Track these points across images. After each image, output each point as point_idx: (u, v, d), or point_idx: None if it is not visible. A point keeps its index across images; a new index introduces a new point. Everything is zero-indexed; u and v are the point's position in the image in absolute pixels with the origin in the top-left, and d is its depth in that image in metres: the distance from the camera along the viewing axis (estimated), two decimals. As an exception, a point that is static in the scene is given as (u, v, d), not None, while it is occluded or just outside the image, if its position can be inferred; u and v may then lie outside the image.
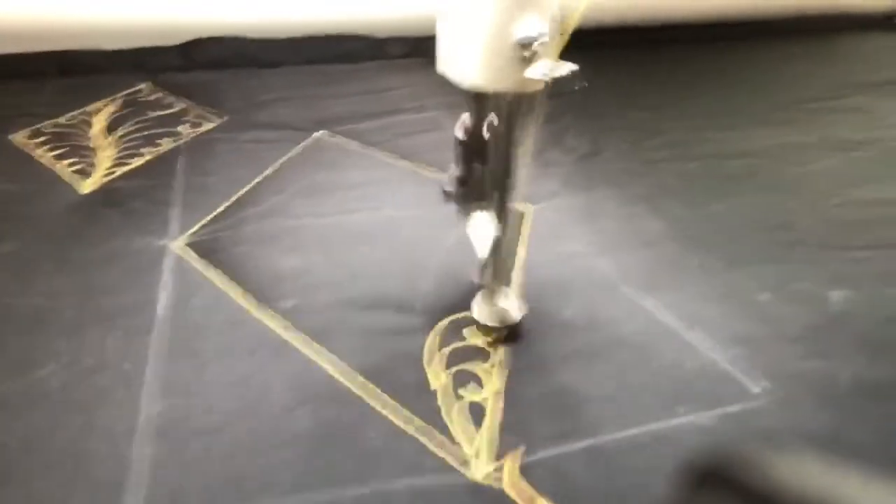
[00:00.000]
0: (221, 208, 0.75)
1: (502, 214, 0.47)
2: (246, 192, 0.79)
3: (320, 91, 1.12)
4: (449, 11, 0.37)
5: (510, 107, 0.40)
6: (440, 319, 0.58)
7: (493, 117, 0.42)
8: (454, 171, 0.48)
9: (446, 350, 0.55)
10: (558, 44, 0.37)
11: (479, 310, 0.54)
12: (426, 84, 1.15)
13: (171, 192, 0.78)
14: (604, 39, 1.26)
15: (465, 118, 0.44)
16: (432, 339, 0.56)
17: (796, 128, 0.98)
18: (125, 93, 1.11)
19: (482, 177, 0.47)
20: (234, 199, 0.77)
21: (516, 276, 0.63)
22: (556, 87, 0.38)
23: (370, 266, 0.65)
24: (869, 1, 1.46)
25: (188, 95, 1.09)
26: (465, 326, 0.57)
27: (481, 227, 0.49)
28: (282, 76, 1.19)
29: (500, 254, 0.50)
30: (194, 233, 0.70)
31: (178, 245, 0.68)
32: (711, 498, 0.22)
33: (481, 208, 0.50)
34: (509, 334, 0.55)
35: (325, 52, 1.25)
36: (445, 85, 1.10)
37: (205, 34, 1.23)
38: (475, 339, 0.56)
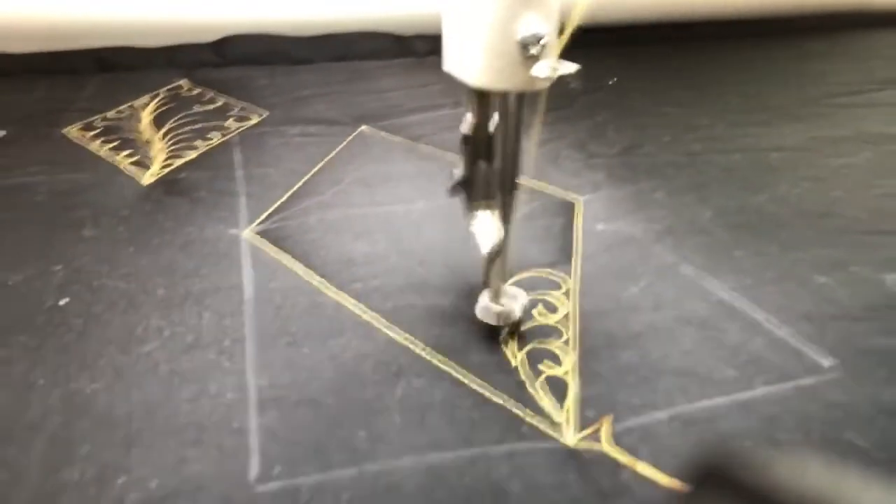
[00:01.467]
0: (285, 198, 0.78)
1: (506, 213, 0.48)
2: (304, 183, 0.82)
3: (354, 87, 1.15)
4: (452, 10, 0.37)
5: (514, 105, 0.41)
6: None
7: (497, 116, 0.43)
8: (459, 169, 0.48)
9: (520, 329, 0.58)
10: (560, 43, 0.37)
11: (481, 309, 0.55)
12: (457, 81, 1.18)
13: (234, 183, 0.81)
14: (633, 36, 1.30)
15: (470, 117, 0.44)
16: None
17: (829, 122, 1.01)
18: (166, 88, 1.14)
19: (487, 175, 0.48)
20: (294, 189, 0.80)
21: (575, 262, 0.67)
22: (559, 86, 0.38)
23: (435, 252, 0.68)
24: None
25: (227, 91, 1.12)
26: (533, 307, 0.61)
27: (485, 226, 0.50)
28: (314, 72, 1.22)
29: (504, 253, 0.50)
30: (263, 221, 0.73)
31: (249, 233, 0.71)
32: (711, 497, 0.22)
33: (486, 207, 0.50)
34: (513, 332, 0.57)
35: (352, 49, 1.29)
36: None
37: (235, 31, 1.26)
38: (544, 318, 0.60)
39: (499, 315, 0.54)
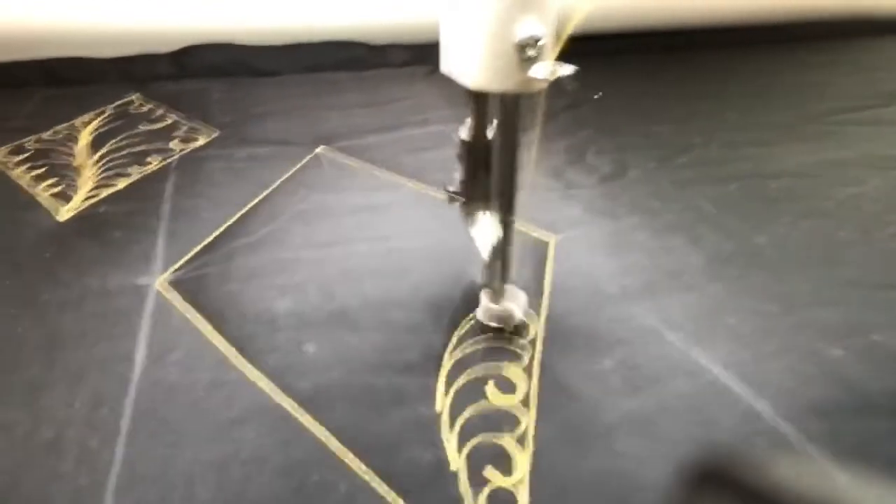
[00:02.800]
0: (210, 238, 0.68)
1: (506, 217, 0.47)
2: (238, 218, 0.72)
3: (319, 102, 1.06)
4: (450, 12, 0.37)
5: (512, 108, 0.40)
6: (456, 378, 0.51)
7: (495, 119, 0.43)
8: (458, 173, 0.48)
9: (465, 415, 0.48)
10: (558, 45, 0.37)
11: (482, 311, 0.54)
12: (430, 94, 1.08)
13: (156, 220, 0.71)
14: (617, 46, 1.19)
15: (469, 120, 0.44)
16: (448, 403, 0.49)
17: (832, 142, 0.90)
18: (114, 105, 1.04)
19: (486, 179, 0.47)
20: (224, 227, 0.70)
21: (538, 327, 0.56)
22: (557, 87, 0.37)
23: (373, 311, 0.58)
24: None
25: (179, 107, 1.03)
26: (487, 383, 0.50)
27: (485, 229, 0.49)
28: (278, 86, 1.12)
29: (504, 256, 0.49)
30: (179, 268, 0.63)
31: (160, 283, 0.61)
32: (711, 498, 0.22)
33: (486, 210, 0.50)
34: (512, 335, 0.54)
35: (323, 59, 1.19)
36: (450, 96, 1.03)
37: (197, 41, 1.17)
38: (498, 399, 0.49)
39: (500, 317, 0.53)
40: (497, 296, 0.53)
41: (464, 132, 0.45)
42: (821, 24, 1.31)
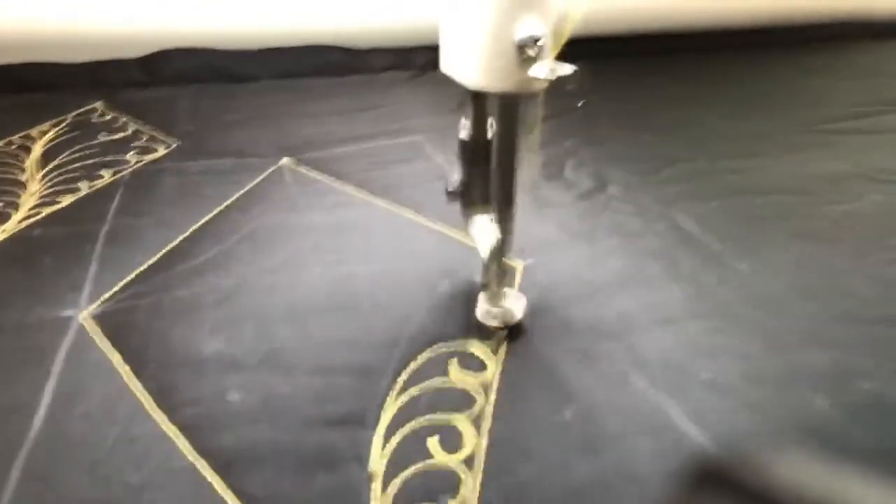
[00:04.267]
0: (147, 265, 0.62)
1: (506, 216, 0.47)
2: (182, 240, 0.66)
3: (292, 109, 1.00)
4: (449, 12, 0.38)
5: (512, 108, 0.41)
6: (396, 431, 0.45)
7: (494, 119, 0.43)
8: (457, 172, 0.48)
9: (402, 476, 0.42)
10: (557, 45, 0.37)
11: (481, 312, 0.54)
12: (409, 102, 1.02)
13: (92, 243, 0.65)
14: (601, 49, 1.11)
15: (468, 120, 0.44)
16: (384, 464, 0.43)
17: (825, 153, 0.83)
18: (75, 113, 0.99)
19: (484, 180, 0.47)
20: (165, 250, 0.64)
21: (495, 362, 0.50)
22: (556, 87, 0.37)
23: (313, 350, 0.52)
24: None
25: (143, 116, 0.97)
26: (432, 435, 0.44)
27: (484, 229, 0.49)
28: (252, 92, 1.07)
29: (504, 256, 0.49)
30: (108, 299, 0.57)
31: (84, 317, 0.55)
32: (711, 498, 0.21)
33: (485, 210, 0.49)
34: (511, 334, 0.53)
35: (301, 64, 1.14)
36: (429, 103, 0.97)
37: (168, 45, 1.11)
38: (440, 457, 0.43)
39: (498, 317, 0.53)
40: (495, 297, 0.53)
41: (462, 132, 0.45)
42: (817, 26, 1.24)
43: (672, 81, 1.08)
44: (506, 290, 0.54)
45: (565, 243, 0.64)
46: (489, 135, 0.44)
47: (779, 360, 0.50)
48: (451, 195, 0.50)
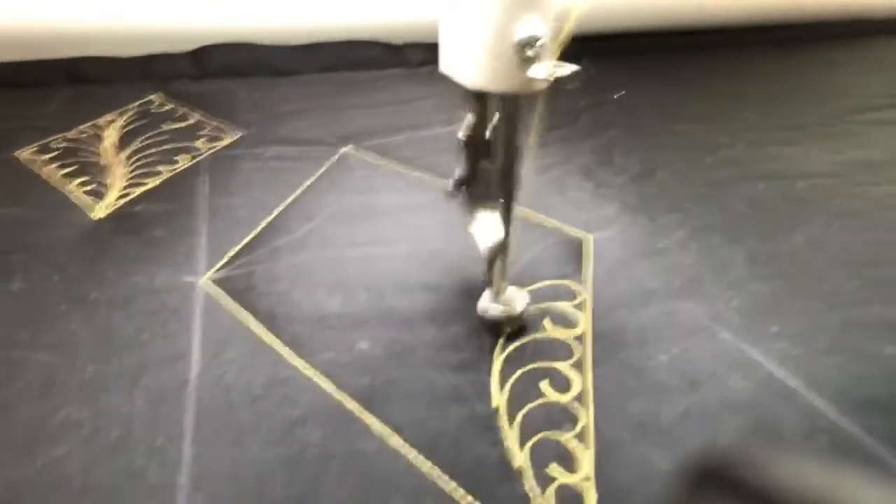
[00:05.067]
0: (251, 236, 0.68)
1: (506, 215, 0.47)
2: (275, 217, 0.72)
3: (341, 101, 1.05)
4: (450, 12, 0.37)
5: (512, 107, 0.40)
6: (510, 375, 0.51)
7: (496, 118, 0.43)
8: (457, 171, 0.48)
9: (524, 410, 0.48)
10: (558, 45, 0.37)
11: (482, 308, 0.54)
12: (451, 94, 1.07)
13: (195, 218, 0.71)
14: (642, 44, 1.19)
15: (468, 119, 0.44)
16: (504, 400, 0.49)
17: (857, 141, 0.91)
18: (136, 104, 1.04)
19: (486, 177, 0.47)
20: (263, 225, 0.70)
21: (585, 319, 0.57)
22: (558, 86, 0.37)
23: (422, 310, 0.58)
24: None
25: (202, 107, 1.03)
26: (541, 379, 0.51)
27: (485, 227, 0.49)
28: (299, 85, 1.12)
29: (505, 254, 0.49)
30: (224, 266, 0.63)
31: (206, 282, 0.61)
32: (711, 498, 0.22)
33: (485, 208, 0.50)
34: (514, 331, 0.55)
35: (341, 59, 1.19)
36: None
37: (216, 40, 1.17)
38: (553, 396, 0.50)
39: (503, 312, 0.53)
40: (498, 293, 0.53)
41: (462, 132, 0.45)
42: (845, 22, 1.33)
43: (705, 76, 1.15)
44: (508, 287, 0.55)
45: (627, 219, 0.71)
46: (489, 134, 0.45)
47: (839, 315, 0.58)
48: (450, 193, 0.50)
